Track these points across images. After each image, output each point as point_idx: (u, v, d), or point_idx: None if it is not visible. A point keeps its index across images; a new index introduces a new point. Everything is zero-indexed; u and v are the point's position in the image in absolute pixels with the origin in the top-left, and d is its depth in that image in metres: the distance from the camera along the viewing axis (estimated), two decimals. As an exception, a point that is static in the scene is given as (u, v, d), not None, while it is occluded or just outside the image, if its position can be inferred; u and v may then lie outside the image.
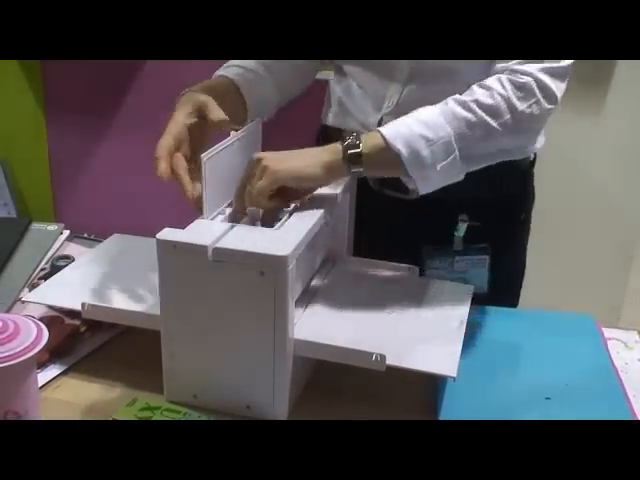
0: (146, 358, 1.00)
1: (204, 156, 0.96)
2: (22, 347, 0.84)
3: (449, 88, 1.06)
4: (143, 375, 1.01)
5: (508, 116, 1.02)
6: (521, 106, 1.02)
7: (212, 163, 0.97)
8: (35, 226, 1.37)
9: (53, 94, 2.59)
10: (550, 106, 1.04)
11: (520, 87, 1.02)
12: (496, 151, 1.05)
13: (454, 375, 0.90)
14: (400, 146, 0.99)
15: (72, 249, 1.35)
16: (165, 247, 0.90)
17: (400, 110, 1.13)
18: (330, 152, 1.01)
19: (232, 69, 1.17)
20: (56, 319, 1.12)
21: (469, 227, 1.22)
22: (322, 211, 1.01)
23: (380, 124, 1.15)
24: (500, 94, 1.01)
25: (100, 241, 1.32)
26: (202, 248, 0.89)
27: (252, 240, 0.90)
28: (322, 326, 0.98)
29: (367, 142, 1.00)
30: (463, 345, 0.96)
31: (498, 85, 1.02)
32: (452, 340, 0.97)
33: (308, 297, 1.05)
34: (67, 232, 1.38)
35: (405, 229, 1.24)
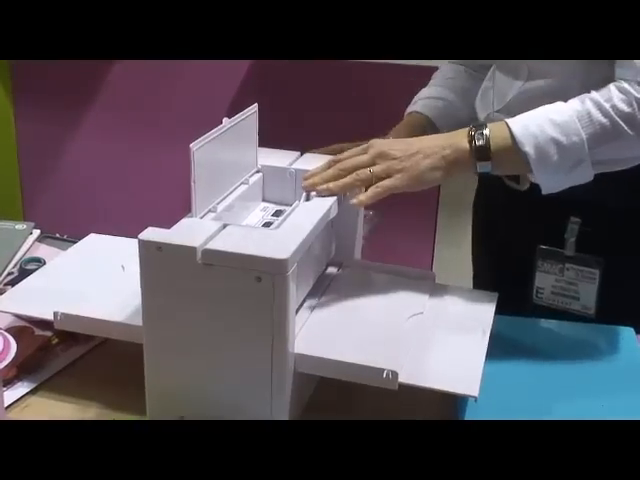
0: (126, 375, 1.00)
1: (193, 146, 0.95)
2: (-14, 362, 0.84)
3: (557, 86, 1.14)
4: (122, 393, 1.00)
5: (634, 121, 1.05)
6: None
7: (202, 154, 0.97)
8: (1, 225, 1.37)
9: (22, 87, 2.61)
10: None
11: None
12: (630, 157, 1.09)
13: (476, 395, 0.89)
14: (528, 148, 1.04)
15: (43, 251, 1.35)
16: (148, 249, 0.90)
17: (509, 107, 1.21)
18: (454, 149, 1.06)
19: (420, 102, 1.36)
20: (25, 330, 1.12)
21: (585, 233, 1.23)
22: (327, 208, 1.01)
23: (487, 119, 1.24)
24: (637, 100, 1.04)
25: (74, 242, 1.32)
26: (190, 250, 0.88)
27: (247, 241, 0.90)
28: (326, 339, 0.97)
29: (495, 139, 1.05)
30: (487, 359, 0.95)
31: (635, 91, 1.05)
32: (473, 354, 0.97)
33: (310, 306, 1.04)
34: (37, 232, 1.38)
35: (521, 226, 1.30)
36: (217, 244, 0.90)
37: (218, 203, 1.03)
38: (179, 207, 0.99)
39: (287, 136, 1.26)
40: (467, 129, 1.07)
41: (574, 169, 1.05)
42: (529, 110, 1.08)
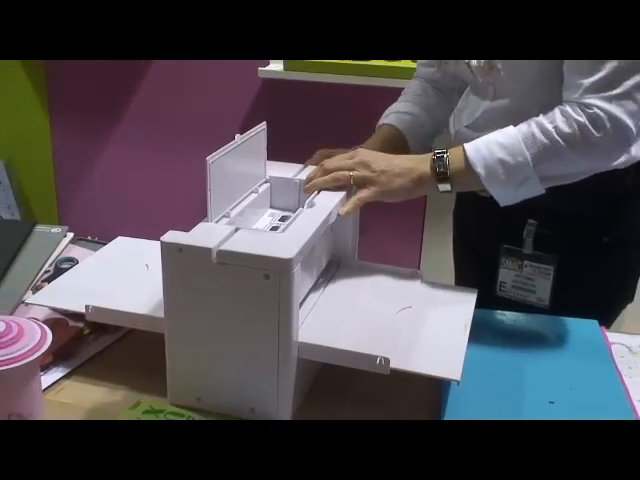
0: (150, 361, 1.00)
1: (209, 159, 0.96)
2: (26, 350, 0.84)
3: (517, 107, 1.17)
4: (146, 378, 1.01)
5: (586, 146, 1.06)
6: (597, 134, 1.05)
7: (217, 166, 0.97)
8: (39, 228, 1.37)
9: (57, 95, 2.59)
10: (625, 136, 1.07)
11: (591, 116, 1.05)
12: (575, 172, 1.11)
13: (458, 379, 0.89)
14: (480, 169, 1.07)
15: (76, 252, 1.35)
16: (169, 250, 0.90)
17: (476, 124, 1.23)
18: (420, 173, 1.09)
19: (392, 116, 1.35)
20: (60, 321, 1.12)
21: (543, 235, 1.25)
22: (327, 214, 1.01)
23: (457, 132, 1.29)
24: (577, 122, 1.05)
25: (104, 244, 1.32)
26: (207, 251, 0.88)
27: (257, 243, 0.90)
28: (326, 329, 0.98)
29: (453, 163, 1.09)
30: (467, 348, 0.96)
31: (574, 114, 1.06)
32: (457, 343, 0.97)
33: (313, 300, 1.05)
34: (71, 235, 1.38)
35: (490, 228, 1.32)
36: (230, 245, 0.90)
37: (231, 209, 1.04)
38: (197, 213, 1.00)
39: (292, 150, 1.27)
40: (431, 155, 1.10)
41: (522, 185, 1.07)
42: (494, 126, 1.10)
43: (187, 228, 0.94)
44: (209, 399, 0.95)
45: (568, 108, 1.07)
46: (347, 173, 1.09)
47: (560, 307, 1.23)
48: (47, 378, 1.02)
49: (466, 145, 1.09)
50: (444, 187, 1.10)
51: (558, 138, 1.06)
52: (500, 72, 1.15)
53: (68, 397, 1.00)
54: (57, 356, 1.05)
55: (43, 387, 0.96)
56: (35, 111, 2.56)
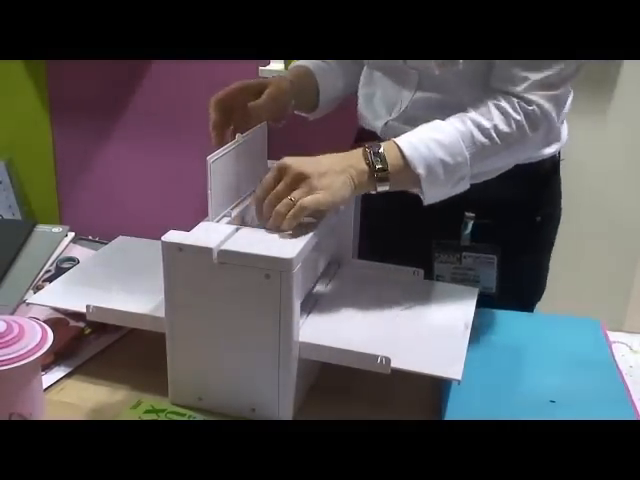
0: (150, 360, 1.00)
1: (210, 158, 0.96)
2: (27, 349, 0.84)
3: (449, 99, 1.13)
4: (148, 377, 1.00)
5: (519, 143, 1.08)
6: (531, 134, 1.07)
7: (218, 165, 0.97)
8: (40, 228, 1.37)
9: (58, 95, 2.59)
10: (551, 133, 1.12)
11: (529, 115, 1.06)
12: (500, 167, 1.12)
13: (459, 378, 0.89)
14: (420, 170, 1.02)
15: (77, 251, 1.35)
16: (170, 249, 0.90)
17: (406, 116, 1.20)
18: (356, 170, 1.00)
19: (307, 62, 1.27)
20: (61, 321, 1.12)
21: (480, 225, 1.24)
22: (328, 214, 1.01)
23: (385, 126, 1.23)
24: (515, 121, 1.06)
25: (105, 243, 1.32)
26: (207, 250, 0.88)
27: (258, 242, 0.90)
28: (327, 329, 0.98)
29: (391, 161, 1.02)
30: (468, 347, 0.96)
31: (513, 111, 1.06)
32: (457, 343, 0.97)
33: (313, 300, 1.05)
34: (72, 234, 1.38)
35: (417, 223, 1.25)
36: (231, 245, 0.90)
37: (232, 209, 1.04)
38: (197, 212, 1.00)
39: (292, 150, 1.27)
40: (362, 150, 1.02)
41: (457, 184, 1.06)
42: (426, 119, 1.06)
43: (188, 228, 0.94)
44: (210, 399, 0.95)
45: (505, 104, 1.06)
46: (289, 200, 0.95)
47: (503, 290, 1.24)
48: (48, 378, 1.01)
49: (399, 142, 1.03)
50: (383, 186, 1.02)
51: (497, 138, 1.05)
52: (460, 65, 1.10)
53: (69, 397, 1.00)
54: (58, 356, 1.05)
55: (44, 387, 0.96)
56: (36, 111, 2.56)
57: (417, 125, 1.07)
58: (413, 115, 1.17)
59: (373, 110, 1.28)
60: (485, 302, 1.14)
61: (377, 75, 1.28)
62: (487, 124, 1.05)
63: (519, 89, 1.06)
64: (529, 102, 1.06)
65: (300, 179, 0.96)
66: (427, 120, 1.06)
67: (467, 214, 1.23)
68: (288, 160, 0.98)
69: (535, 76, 1.05)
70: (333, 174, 0.98)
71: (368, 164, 1.01)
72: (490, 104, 1.06)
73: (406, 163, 1.02)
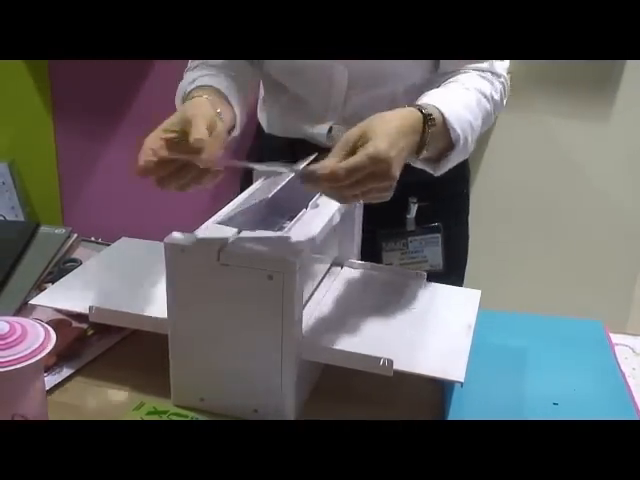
0: (153, 362, 1.00)
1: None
2: (29, 350, 0.84)
3: (389, 91, 1.16)
4: (150, 379, 1.00)
5: (498, 111, 1.15)
6: (503, 102, 1.17)
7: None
8: (43, 229, 1.37)
9: (61, 96, 2.59)
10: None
11: (503, 85, 1.15)
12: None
13: (462, 380, 0.89)
14: (459, 131, 1.02)
15: (80, 252, 1.35)
16: (173, 251, 0.90)
17: (346, 117, 1.20)
18: (417, 138, 0.95)
19: (204, 79, 1.12)
20: (63, 322, 1.12)
21: (420, 208, 1.28)
22: (331, 215, 1.01)
23: (330, 132, 1.23)
24: (499, 91, 1.14)
25: (107, 245, 1.33)
26: (210, 252, 0.88)
27: (260, 244, 0.90)
28: (330, 330, 0.98)
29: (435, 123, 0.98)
30: (470, 349, 0.96)
31: (497, 82, 1.13)
32: (460, 345, 0.97)
33: (316, 301, 1.04)
34: (75, 235, 1.38)
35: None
36: (233, 247, 0.90)
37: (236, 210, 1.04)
38: (200, 213, 1.00)
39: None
40: (420, 115, 0.96)
41: (469, 150, 1.07)
42: (369, 116, 0.94)
43: (191, 229, 0.94)
44: (212, 400, 0.95)
45: (489, 75, 1.12)
46: (361, 190, 0.87)
47: (448, 269, 1.31)
48: (51, 379, 1.01)
49: (439, 106, 1.00)
50: (423, 154, 0.97)
51: (492, 105, 1.11)
52: None
53: (71, 398, 1.00)
54: (61, 357, 1.05)
55: (47, 388, 0.96)
56: (38, 112, 2.56)
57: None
58: (354, 114, 1.14)
59: (304, 117, 1.26)
60: (433, 279, 1.14)
61: (290, 81, 1.25)
62: (487, 91, 1.10)
63: (486, 65, 1.13)
64: (499, 75, 1.13)
65: (385, 179, 0.87)
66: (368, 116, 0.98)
67: (410, 199, 1.27)
68: (388, 156, 0.86)
69: None
70: (404, 155, 0.91)
71: (424, 130, 0.96)
72: (475, 76, 1.12)
73: (446, 128, 1.01)
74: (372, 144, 0.86)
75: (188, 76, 1.17)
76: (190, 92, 1.09)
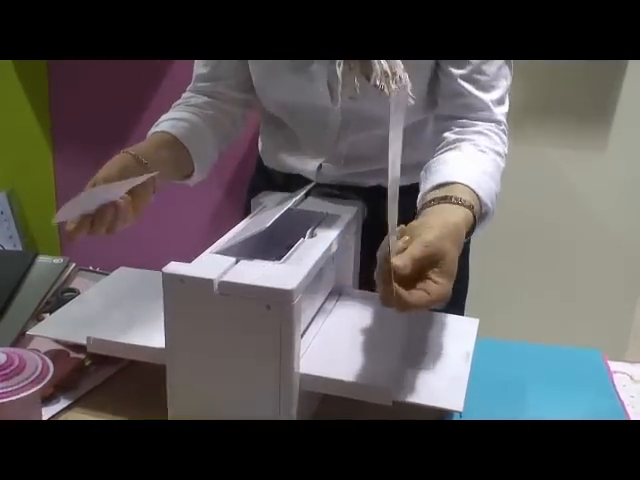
0: (151, 392, 0.99)
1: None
2: (27, 381, 0.84)
3: (381, 132, 1.13)
4: (148, 409, 1.00)
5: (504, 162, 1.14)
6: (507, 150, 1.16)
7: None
8: (41, 259, 1.37)
9: (60, 126, 2.60)
10: None
11: (505, 133, 1.15)
12: None
13: (460, 410, 0.89)
14: (490, 205, 1.03)
15: (78, 282, 1.35)
16: (171, 281, 0.90)
17: (337, 155, 1.21)
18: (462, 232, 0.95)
19: (165, 124, 1.20)
20: (61, 353, 1.12)
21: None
22: (328, 244, 1.01)
23: (320, 169, 1.24)
24: (504, 142, 1.13)
25: (106, 274, 1.33)
26: (208, 282, 0.89)
27: (258, 274, 0.90)
28: (328, 360, 0.97)
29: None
30: (469, 378, 0.96)
31: (502, 134, 1.13)
32: (458, 374, 0.97)
33: (314, 330, 1.04)
34: (73, 265, 1.38)
35: None
36: (231, 277, 0.90)
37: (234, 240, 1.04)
38: (199, 243, 1.00)
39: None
40: (470, 213, 0.97)
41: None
42: (360, 156, 1.02)
43: (189, 258, 0.95)
44: (210, 430, 0.95)
45: (493, 127, 1.11)
46: (423, 293, 0.84)
47: None
48: (48, 410, 1.01)
49: (471, 185, 1.01)
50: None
51: (503, 160, 1.12)
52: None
53: (69, 429, 0.99)
54: (58, 388, 1.04)
55: (44, 419, 0.95)
56: (37, 141, 2.57)
57: (351, 164, 1.08)
58: (346, 154, 1.19)
59: (299, 153, 1.27)
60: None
61: (288, 118, 1.26)
62: (500, 150, 1.10)
63: (488, 114, 1.11)
64: (500, 123, 1.13)
65: (445, 275, 0.85)
66: (362, 157, 1.05)
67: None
68: (447, 253, 0.86)
69: (491, 98, 1.11)
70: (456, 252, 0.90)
71: (467, 232, 0.97)
72: (483, 129, 1.10)
73: (479, 200, 1.01)
74: (445, 266, 0.86)
75: (164, 115, 1.25)
76: (152, 134, 1.20)
